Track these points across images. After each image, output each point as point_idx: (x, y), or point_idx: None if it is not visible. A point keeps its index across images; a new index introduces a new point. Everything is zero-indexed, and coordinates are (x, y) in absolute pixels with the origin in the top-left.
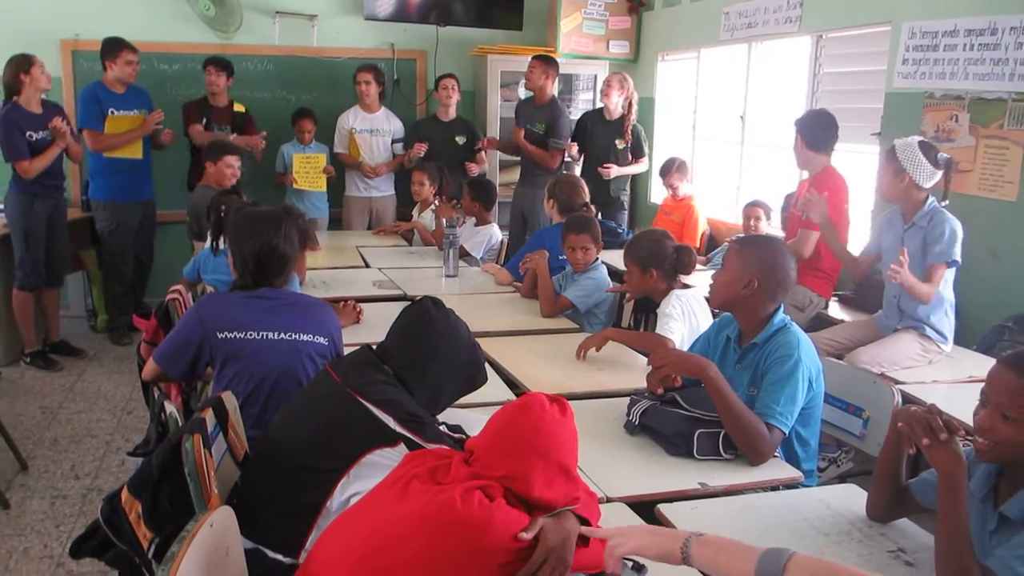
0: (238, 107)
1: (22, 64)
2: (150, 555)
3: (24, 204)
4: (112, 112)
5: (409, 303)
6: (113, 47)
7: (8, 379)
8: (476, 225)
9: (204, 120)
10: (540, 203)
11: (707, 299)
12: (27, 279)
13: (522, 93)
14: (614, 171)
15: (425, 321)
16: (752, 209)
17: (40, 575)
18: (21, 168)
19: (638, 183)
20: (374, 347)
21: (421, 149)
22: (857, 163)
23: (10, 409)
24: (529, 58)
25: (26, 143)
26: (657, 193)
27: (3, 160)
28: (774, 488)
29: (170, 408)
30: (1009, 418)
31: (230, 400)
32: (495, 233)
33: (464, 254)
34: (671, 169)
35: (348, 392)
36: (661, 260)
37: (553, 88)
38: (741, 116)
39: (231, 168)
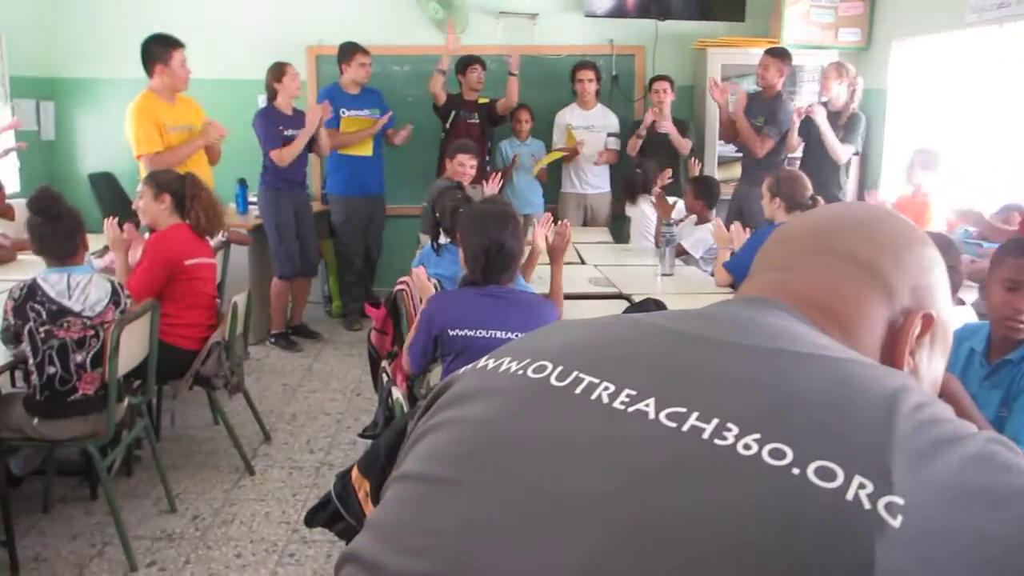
0: (482, 99)
1: (277, 72)
2: None
3: (272, 199)
4: (344, 112)
5: (634, 303)
6: (347, 51)
7: (255, 357)
8: (697, 223)
9: (455, 112)
10: (757, 200)
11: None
12: (284, 269)
13: (745, 87)
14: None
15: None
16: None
17: (278, 538)
18: (276, 155)
19: (866, 179)
20: None
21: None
22: None
23: (256, 385)
24: (751, 50)
25: (280, 136)
26: (888, 190)
27: (261, 152)
28: None
29: (396, 394)
30: None
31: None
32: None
33: (681, 252)
34: (915, 162)
35: None
36: None
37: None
38: (992, 108)
39: (462, 167)
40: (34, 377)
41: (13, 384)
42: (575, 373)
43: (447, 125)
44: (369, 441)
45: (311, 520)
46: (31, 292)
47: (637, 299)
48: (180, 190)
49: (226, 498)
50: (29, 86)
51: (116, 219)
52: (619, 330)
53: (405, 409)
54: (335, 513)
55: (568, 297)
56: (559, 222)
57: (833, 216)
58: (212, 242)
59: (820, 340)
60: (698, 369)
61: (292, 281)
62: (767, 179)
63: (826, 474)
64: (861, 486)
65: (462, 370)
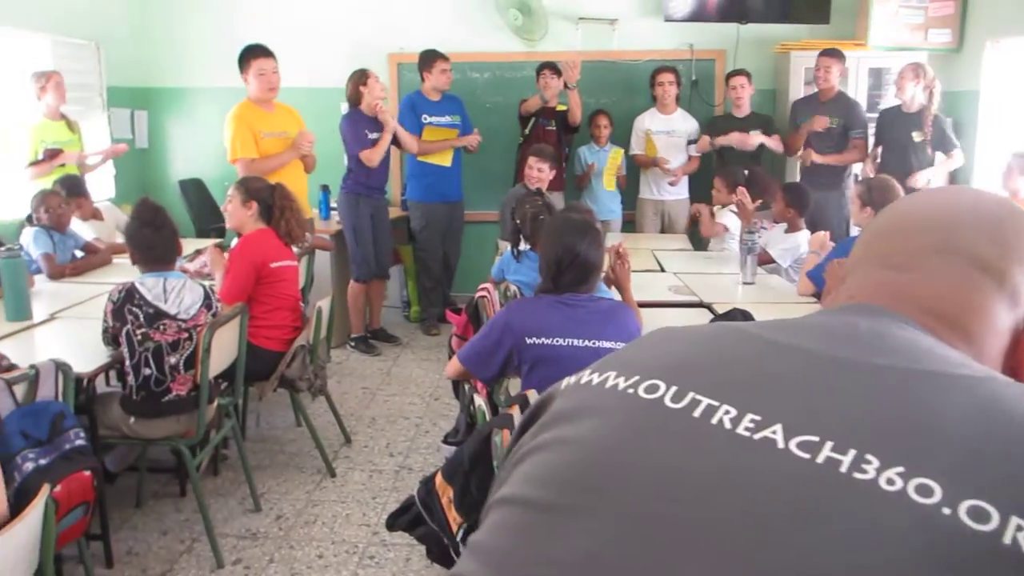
0: (560, 106)
1: (360, 78)
2: (458, 538)
3: (351, 203)
4: (426, 118)
5: (720, 314)
6: (428, 58)
7: (336, 360)
8: (787, 232)
9: (533, 118)
10: (834, 207)
11: None
12: (360, 272)
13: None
14: (920, 178)
15: None
16: None
17: (359, 539)
18: (364, 156)
19: (956, 184)
20: None
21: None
22: None
23: (337, 388)
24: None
25: (367, 139)
26: None
27: (346, 157)
28: None
29: (479, 401)
30: None
31: (535, 398)
32: (804, 241)
33: (765, 261)
34: (1012, 166)
35: None
36: None
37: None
38: None
39: (531, 170)
40: (130, 378)
41: (108, 383)
42: (691, 394)
43: (525, 131)
44: (452, 448)
45: (392, 524)
46: (129, 295)
47: (719, 308)
48: (269, 199)
49: (308, 499)
50: (124, 96)
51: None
52: (733, 345)
53: (487, 416)
54: (416, 517)
55: (648, 305)
56: (615, 245)
57: (951, 205)
58: (296, 248)
59: (951, 355)
60: (826, 393)
61: (368, 284)
62: (857, 186)
63: (979, 515)
64: (1019, 528)
65: (563, 384)
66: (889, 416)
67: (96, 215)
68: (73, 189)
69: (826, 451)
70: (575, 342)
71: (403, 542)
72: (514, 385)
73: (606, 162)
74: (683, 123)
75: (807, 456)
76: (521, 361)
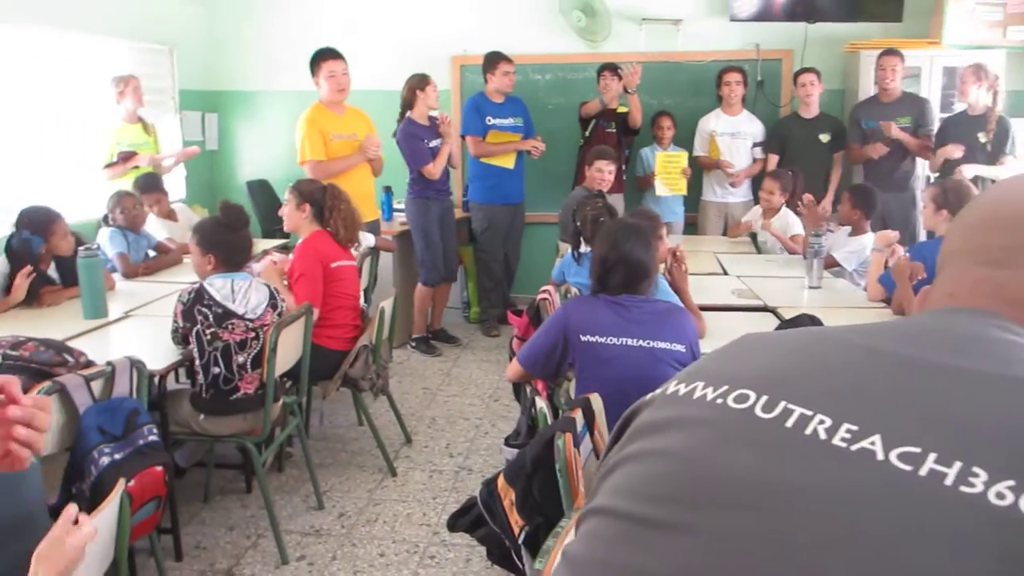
0: (621, 108)
1: (419, 83)
2: (520, 540)
3: (420, 207)
4: (489, 119)
5: (786, 320)
6: (492, 60)
7: (397, 360)
8: (852, 235)
9: (594, 120)
10: (898, 210)
11: None
12: (429, 275)
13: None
14: (968, 170)
15: None
16: None
17: (419, 539)
18: (427, 171)
19: None
20: None
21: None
22: None
23: (398, 388)
24: (910, 52)
25: (426, 149)
26: None
27: (409, 168)
28: None
29: (540, 404)
30: None
31: (597, 402)
32: (870, 244)
33: (831, 264)
34: None
35: None
36: None
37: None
38: None
39: (600, 172)
40: (200, 376)
41: (177, 380)
42: (783, 403)
43: (586, 133)
44: (514, 450)
45: (454, 524)
46: (198, 296)
47: (784, 313)
48: (321, 200)
49: (370, 497)
50: (196, 99)
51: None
52: (825, 352)
53: (548, 420)
54: (477, 518)
55: (710, 309)
56: (671, 248)
57: None
58: (354, 251)
59: None
60: (924, 400)
61: (434, 286)
62: (931, 189)
63: None
64: None
65: (650, 396)
66: (994, 426)
67: (171, 215)
68: (150, 186)
69: (929, 463)
70: (629, 341)
71: (463, 542)
72: (575, 388)
73: (655, 164)
74: (748, 124)
75: (909, 468)
76: (576, 359)
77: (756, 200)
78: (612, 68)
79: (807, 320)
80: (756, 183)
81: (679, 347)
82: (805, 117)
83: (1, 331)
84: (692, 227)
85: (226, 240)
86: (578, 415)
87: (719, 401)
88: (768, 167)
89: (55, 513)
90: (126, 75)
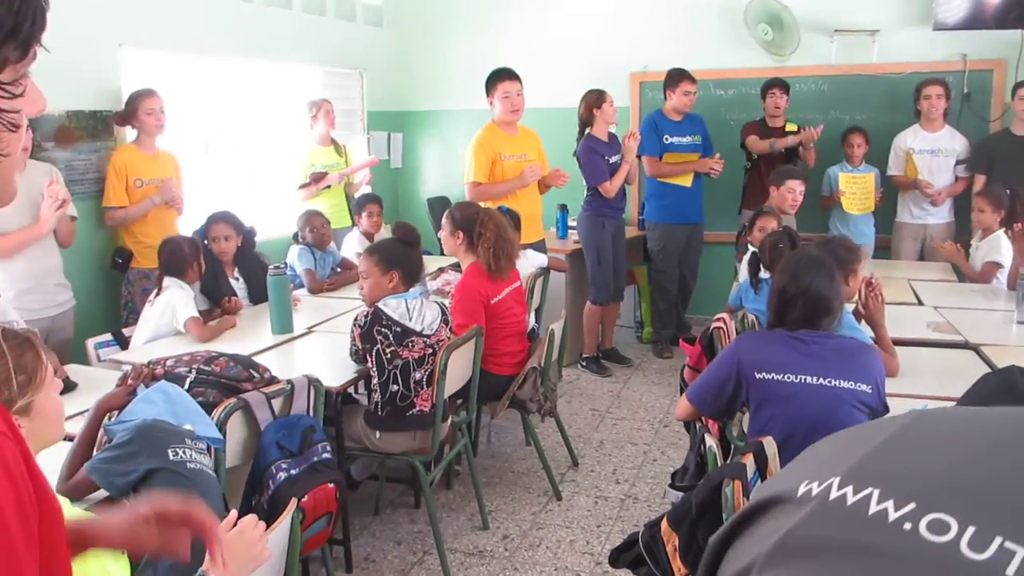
0: (790, 127)
1: (596, 100)
2: None
3: (595, 225)
4: (667, 138)
5: (990, 371)
6: (675, 78)
7: (567, 380)
8: None
9: (760, 133)
10: None
11: None
12: (599, 294)
13: None
14: None
15: (1013, 398)
16: None
17: (581, 568)
18: (604, 188)
19: None
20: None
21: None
22: None
23: (567, 408)
24: None
25: (606, 166)
26: None
27: (585, 184)
28: None
29: (710, 442)
30: None
31: (770, 446)
32: None
33: None
34: None
35: None
36: None
37: None
38: None
39: (792, 193)
40: (376, 395)
41: (356, 391)
42: (998, 540)
43: (754, 156)
44: (679, 494)
45: (616, 560)
46: (376, 318)
47: (988, 352)
48: (472, 228)
49: (534, 521)
50: (383, 119)
51: None
52: None
53: (719, 460)
54: (639, 556)
55: (903, 343)
56: (866, 277)
57: None
58: (519, 264)
59: None
60: None
61: (604, 305)
62: None
63: None
64: None
65: (797, 485)
66: None
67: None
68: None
69: None
70: (809, 379)
71: None
72: (747, 422)
73: (878, 182)
74: (950, 141)
75: None
76: (750, 398)
77: (958, 221)
78: (781, 84)
79: (1020, 374)
80: (959, 202)
81: (864, 387)
82: (1018, 134)
83: (201, 344)
84: (884, 250)
85: (405, 255)
86: (749, 460)
87: (907, 527)
88: (975, 188)
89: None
90: (318, 99)
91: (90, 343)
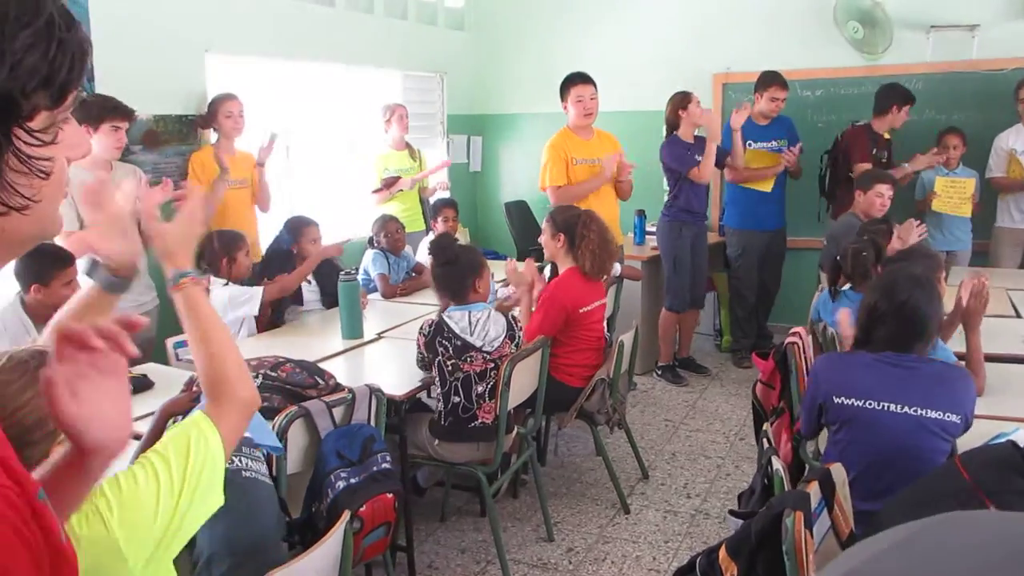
0: (885, 134)
1: (681, 101)
2: None
3: (673, 231)
4: (751, 144)
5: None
6: (766, 81)
7: (641, 388)
8: None
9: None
10: None
11: None
12: (674, 301)
13: None
14: None
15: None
16: None
17: None
18: (694, 174)
19: None
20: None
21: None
22: None
23: (639, 418)
24: None
25: (693, 159)
26: None
27: (668, 186)
28: None
29: (777, 464)
30: None
31: (839, 473)
32: None
33: None
34: None
35: (979, 496)
36: None
37: None
38: None
39: (881, 197)
40: (439, 404)
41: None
42: None
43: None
44: (739, 522)
45: None
46: (438, 329)
47: None
48: (573, 229)
49: (600, 534)
50: (462, 123)
51: (514, 261)
52: None
53: (786, 485)
54: None
55: (995, 359)
56: (976, 280)
57: None
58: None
59: None
60: None
61: (681, 313)
62: None
63: None
64: None
65: None
66: None
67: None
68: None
69: None
70: (892, 407)
71: None
72: (822, 438)
73: (977, 186)
74: None
75: None
76: (829, 420)
77: None
78: (910, 98)
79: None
80: None
81: (953, 418)
82: None
83: (271, 347)
84: (981, 256)
85: (445, 276)
86: (814, 488)
87: None
88: None
89: (300, 527)
90: (392, 104)
91: (169, 343)
